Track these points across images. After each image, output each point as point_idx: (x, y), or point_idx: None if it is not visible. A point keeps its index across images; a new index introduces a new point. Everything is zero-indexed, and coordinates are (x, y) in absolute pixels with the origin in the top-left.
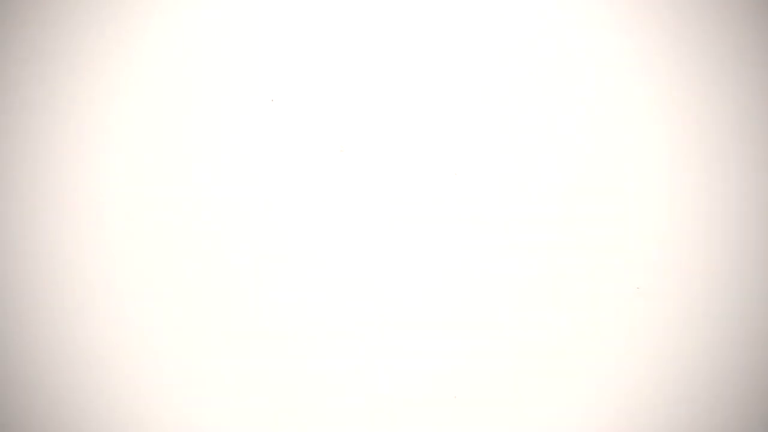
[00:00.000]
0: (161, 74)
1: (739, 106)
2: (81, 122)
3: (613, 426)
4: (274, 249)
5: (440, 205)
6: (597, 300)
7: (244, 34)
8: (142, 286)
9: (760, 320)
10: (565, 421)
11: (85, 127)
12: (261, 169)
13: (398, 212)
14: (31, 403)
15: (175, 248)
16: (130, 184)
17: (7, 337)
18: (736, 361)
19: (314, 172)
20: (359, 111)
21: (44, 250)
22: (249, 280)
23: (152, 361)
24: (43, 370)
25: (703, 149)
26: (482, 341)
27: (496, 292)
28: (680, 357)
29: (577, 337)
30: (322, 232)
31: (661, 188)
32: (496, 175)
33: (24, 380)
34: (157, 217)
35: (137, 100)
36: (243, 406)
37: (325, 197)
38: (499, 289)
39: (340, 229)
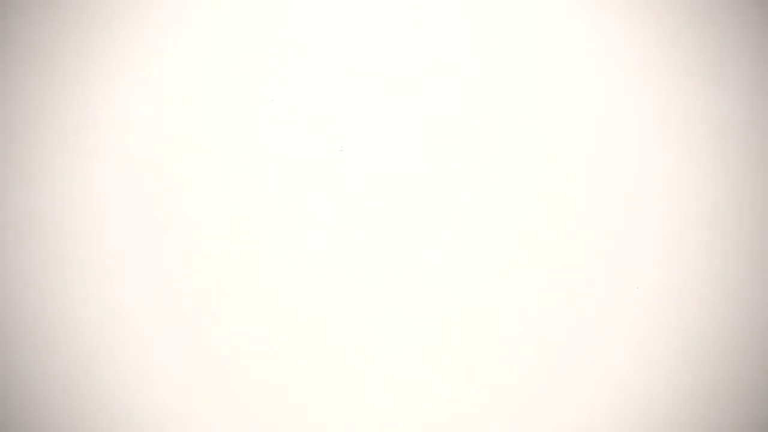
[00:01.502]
0: (160, 74)
1: (741, 106)
2: (79, 122)
3: (613, 426)
4: (273, 249)
5: (440, 205)
6: (597, 300)
7: (244, 34)
8: (141, 285)
9: (761, 320)
10: (565, 421)
11: (82, 126)
12: (260, 169)
13: (399, 212)
14: (29, 403)
15: (173, 248)
16: (128, 184)
17: (5, 336)
18: (737, 361)
19: (314, 172)
20: (360, 111)
21: (43, 248)
22: (248, 280)
23: (148, 360)
24: (40, 370)
25: (704, 149)
26: (481, 341)
27: (496, 292)
28: (680, 358)
29: (577, 338)
30: (322, 231)
31: (661, 188)
32: (495, 175)
33: (21, 380)
34: (155, 218)
35: (136, 99)
36: (240, 407)
37: (325, 197)
38: (499, 289)
39: (339, 228)
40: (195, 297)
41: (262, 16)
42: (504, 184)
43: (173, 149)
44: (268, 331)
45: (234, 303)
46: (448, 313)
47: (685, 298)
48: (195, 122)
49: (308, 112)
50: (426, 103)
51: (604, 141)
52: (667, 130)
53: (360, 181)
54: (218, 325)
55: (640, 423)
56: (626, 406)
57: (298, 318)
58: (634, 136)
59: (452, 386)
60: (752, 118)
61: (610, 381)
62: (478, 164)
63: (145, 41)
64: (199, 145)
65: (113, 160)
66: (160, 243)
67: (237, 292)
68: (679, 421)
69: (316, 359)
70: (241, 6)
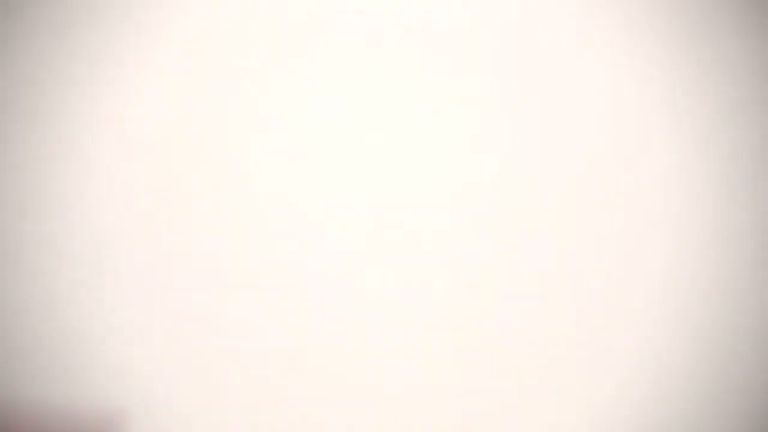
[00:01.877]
0: (159, 74)
1: (743, 107)
2: (78, 122)
3: (613, 427)
4: (273, 250)
5: (441, 206)
6: (598, 302)
7: (244, 36)
8: (140, 284)
9: (762, 321)
10: (565, 422)
11: (82, 126)
12: (260, 170)
13: (400, 213)
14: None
15: (171, 248)
16: (126, 184)
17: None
18: (738, 363)
19: (314, 173)
20: (362, 112)
21: (41, 246)
22: (248, 281)
23: (145, 361)
24: (37, 368)
25: (705, 149)
26: (482, 342)
27: (497, 294)
28: (681, 359)
29: (578, 339)
30: (322, 232)
31: (663, 189)
32: (498, 176)
33: (19, 378)
34: (153, 218)
35: (135, 100)
36: (239, 408)
37: (325, 198)
38: (500, 290)
39: (340, 228)
40: (195, 297)
41: (264, 18)
42: (508, 186)
43: (169, 149)
44: (267, 330)
45: (234, 304)
46: (448, 313)
47: (685, 297)
48: (192, 122)
49: (308, 113)
50: (425, 104)
51: (602, 141)
52: (667, 130)
53: (361, 181)
54: (219, 324)
55: (639, 422)
56: (625, 406)
57: (296, 316)
58: (634, 136)
59: (451, 386)
60: (750, 116)
61: (608, 378)
62: (479, 167)
63: (145, 45)
64: (197, 146)
65: (108, 161)
66: (156, 243)
67: (237, 293)
68: (678, 420)
69: (316, 363)
70: (242, 9)
